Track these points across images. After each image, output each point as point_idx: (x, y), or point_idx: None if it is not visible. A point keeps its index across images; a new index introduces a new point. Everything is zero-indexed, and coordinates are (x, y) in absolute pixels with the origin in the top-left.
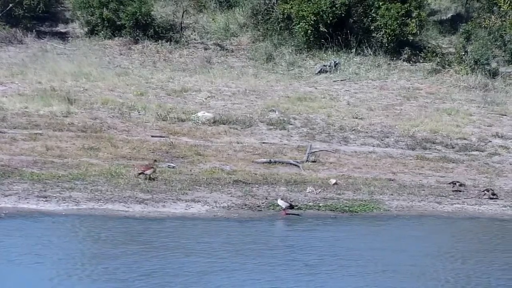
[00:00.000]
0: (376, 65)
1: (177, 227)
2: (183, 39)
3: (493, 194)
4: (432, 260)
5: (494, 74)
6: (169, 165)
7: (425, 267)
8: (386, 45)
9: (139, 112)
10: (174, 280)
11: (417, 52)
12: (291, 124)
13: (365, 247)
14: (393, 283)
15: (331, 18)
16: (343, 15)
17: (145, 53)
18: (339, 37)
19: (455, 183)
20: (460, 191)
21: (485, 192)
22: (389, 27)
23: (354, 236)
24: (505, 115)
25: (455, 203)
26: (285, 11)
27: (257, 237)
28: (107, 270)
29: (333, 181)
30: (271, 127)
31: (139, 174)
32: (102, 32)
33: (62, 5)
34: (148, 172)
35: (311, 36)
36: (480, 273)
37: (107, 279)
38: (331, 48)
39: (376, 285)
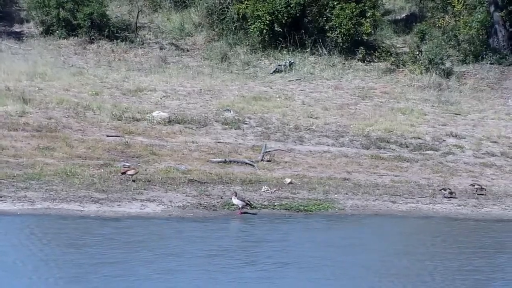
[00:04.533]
0: (331, 65)
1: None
2: (138, 39)
3: (451, 193)
4: (378, 257)
5: (448, 73)
6: (124, 165)
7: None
8: (341, 44)
9: (94, 112)
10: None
11: (372, 51)
12: (246, 123)
13: (316, 246)
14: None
15: (286, 18)
16: (298, 14)
17: (100, 53)
18: (294, 37)
19: (473, 185)
20: (483, 194)
21: (443, 191)
22: (344, 27)
23: (307, 234)
24: (459, 115)
25: (409, 202)
26: (240, 11)
27: (210, 236)
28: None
29: (288, 180)
30: (226, 126)
31: (122, 174)
32: (57, 32)
33: (17, 5)
34: (130, 172)
35: (266, 36)
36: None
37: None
38: (286, 48)
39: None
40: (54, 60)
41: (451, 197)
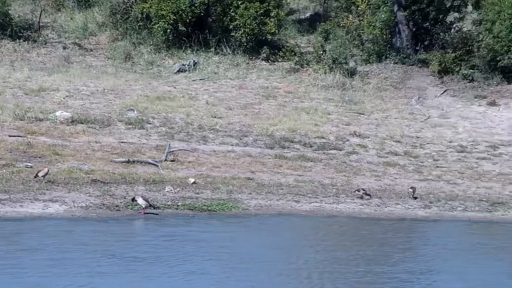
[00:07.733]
0: (235, 64)
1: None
2: (41, 38)
3: (366, 194)
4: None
5: (352, 73)
6: (26, 165)
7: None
8: (245, 44)
9: None
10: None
11: (276, 51)
12: (149, 123)
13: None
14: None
15: (190, 17)
16: (202, 14)
17: (2, 53)
18: (198, 36)
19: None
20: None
21: (357, 192)
22: (248, 26)
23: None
24: (363, 114)
25: (313, 202)
26: (144, 10)
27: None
28: None
29: (192, 180)
30: (130, 126)
31: (35, 177)
32: None
33: None
34: (41, 173)
35: (170, 35)
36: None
37: None
38: (190, 48)
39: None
40: None
41: (368, 198)
